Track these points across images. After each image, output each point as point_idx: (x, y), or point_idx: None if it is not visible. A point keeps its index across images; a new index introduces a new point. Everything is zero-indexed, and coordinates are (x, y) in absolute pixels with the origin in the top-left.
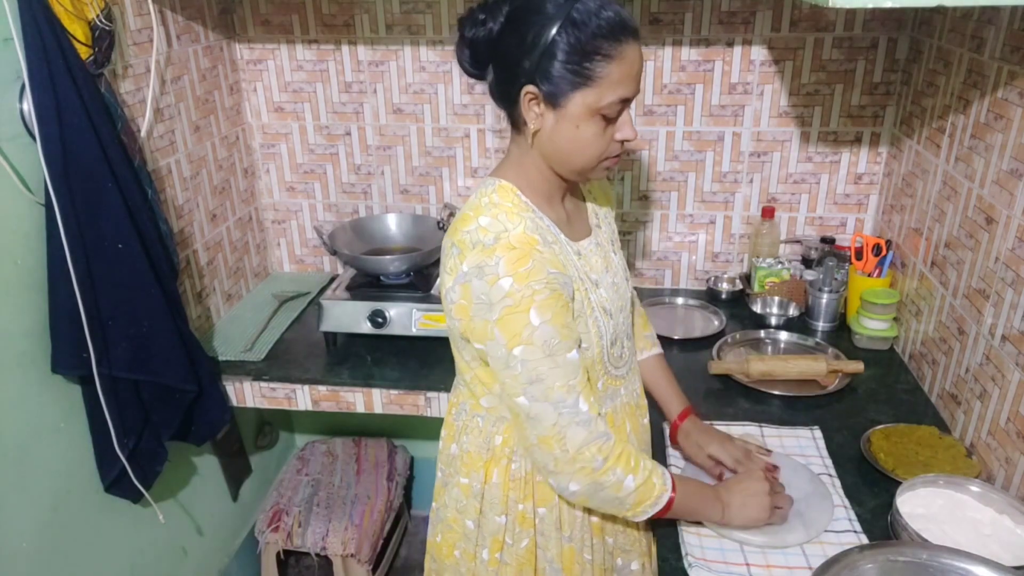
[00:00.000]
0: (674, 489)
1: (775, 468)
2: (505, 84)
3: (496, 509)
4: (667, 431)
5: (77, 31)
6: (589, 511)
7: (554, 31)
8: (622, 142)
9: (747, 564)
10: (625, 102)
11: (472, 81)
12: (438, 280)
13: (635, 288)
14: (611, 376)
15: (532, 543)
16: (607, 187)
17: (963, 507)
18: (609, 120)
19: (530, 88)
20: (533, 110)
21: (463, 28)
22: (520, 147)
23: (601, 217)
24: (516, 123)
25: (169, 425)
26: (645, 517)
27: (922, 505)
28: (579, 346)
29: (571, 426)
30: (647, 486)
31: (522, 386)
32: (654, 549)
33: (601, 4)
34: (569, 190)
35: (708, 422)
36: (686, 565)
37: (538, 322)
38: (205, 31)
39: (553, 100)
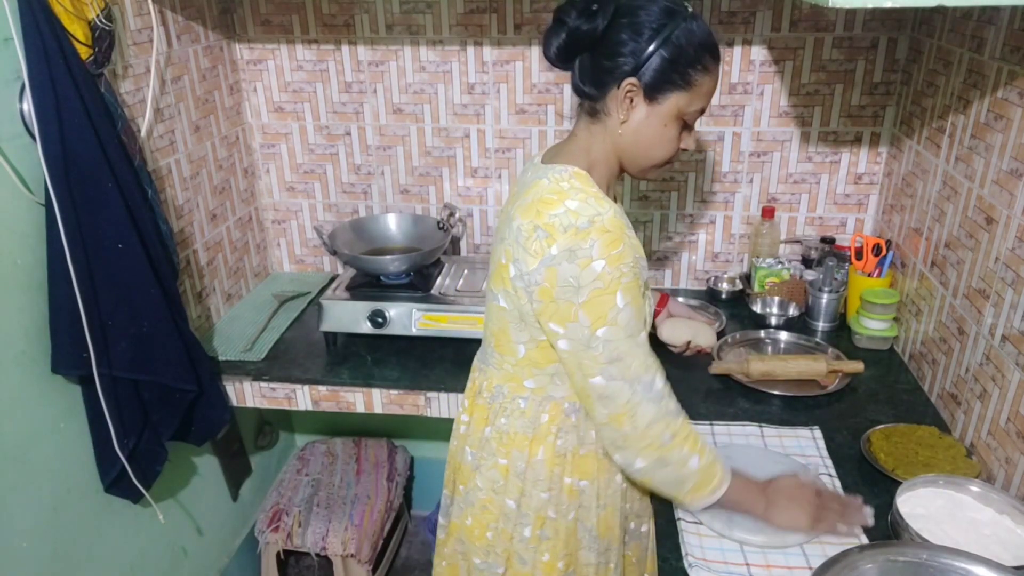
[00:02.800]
0: (730, 480)
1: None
2: (604, 73)
3: (540, 486)
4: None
5: (77, 31)
6: (628, 480)
7: (670, 35)
8: (682, 150)
9: (747, 564)
10: (701, 113)
11: (472, 81)
12: (439, 280)
13: None
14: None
15: (576, 515)
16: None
17: (963, 507)
18: (685, 127)
19: (633, 80)
20: (627, 102)
21: (565, 15)
22: (593, 135)
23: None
24: (597, 112)
25: (169, 425)
26: (700, 505)
27: (922, 505)
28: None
29: (643, 403)
30: (710, 471)
31: (601, 366)
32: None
33: (704, 25)
34: None
35: (708, 422)
36: (686, 565)
37: (622, 304)
38: (205, 31)
39: (651, 95)
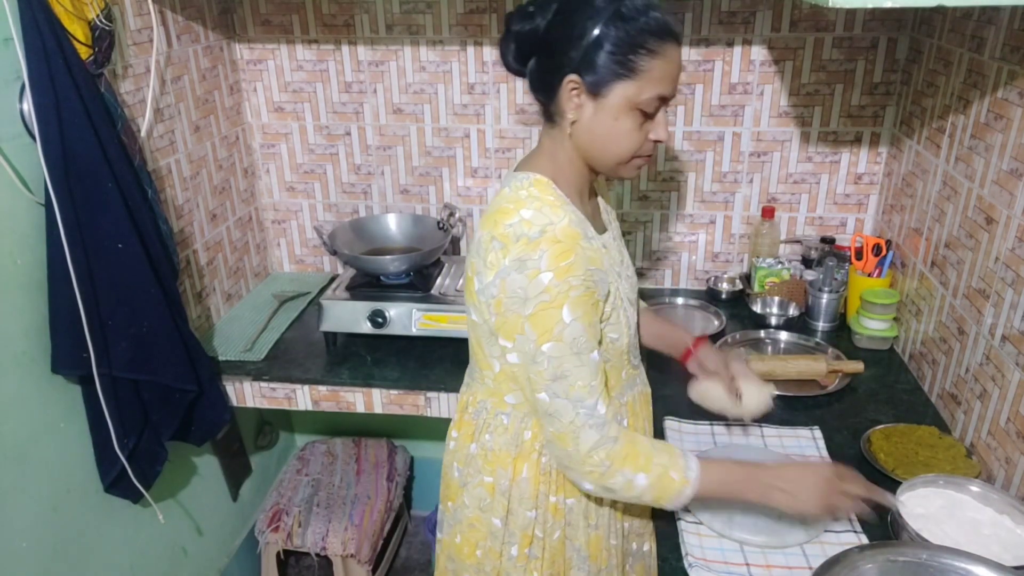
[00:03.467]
0: (698, 478)
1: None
2: (547, 74)
3: (526, 504)
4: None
5: (77, 31)
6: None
7: (603, 22)
8: (655, 142)
9: (747, 564)
10: (663, 100)
11: (472, 81)
12: (439, 280)
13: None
14: (632, 366)
15: (562, 534)
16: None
17: (963, 507)
18: (646, 116)
19: (573, 77)
20: (573, 100)
21: (511, 23)
22: (554, 140)
23: (610, 213)
24: (552, 115)
25: (169, 425)
26: (674, 507)
27: (922, 505)
28: (599, 346)
29: (585, 428)
30: (662, 482)
31: (545, 382)
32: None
33: (648, 4)
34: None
35: (708, 423)
36: (686, 565)
37: (569, 319)
38: (205, 31)
39: (595, 90)
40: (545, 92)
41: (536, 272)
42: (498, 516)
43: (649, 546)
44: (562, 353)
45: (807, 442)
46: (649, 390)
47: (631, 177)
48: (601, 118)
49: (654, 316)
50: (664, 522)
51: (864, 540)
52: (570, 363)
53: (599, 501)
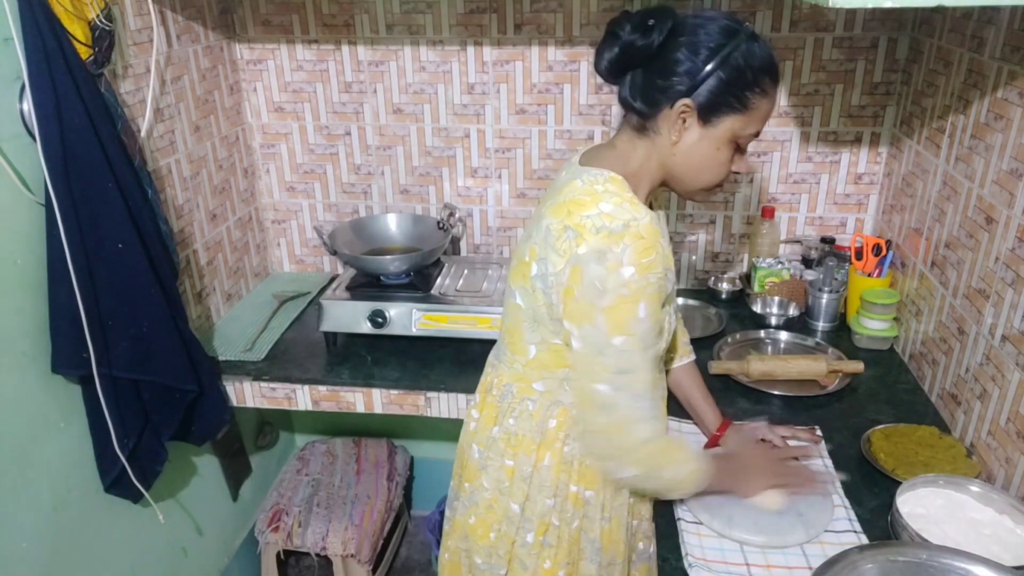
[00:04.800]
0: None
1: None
2: (656, 91)
3: (546, 492)
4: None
5: (77, 31)
6: (635, 495)
7: (727, 55)
8: (734, 173)
9: (747, 564)
10: (755, 135)
11: (472, 81)
12: (439, 280)
13: None
14: (661, 370)
15: (580, 524)
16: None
17: (963, 507)
18: (738, 150)
19: (687, 102)
20: (680, 123)
21: (620, 28)
22: (636, 148)
23: (663, 221)
24: (645, 129)
25: (169, 425)
26: (686, 495)
27: (922, 505)
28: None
29: (642, 420)
30: (694, 474)
31: (610, 374)
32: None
33: (765, 45)
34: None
35: None
36: (686, 565)
37: (644, 315)
38: (205, 31)
39: (706, 118)
40: (648, 105)
41: (618, 265)
42: (516, 501)
43: (653, 548)
44: (632, 348)
45: (807, 442)
46: (667, 394)
47: (701, 202)
48: (704, 145)
49: (696, 384)
50: (664, 522)
51: (864, 540)
52: (638, 358)
53: (617, 494)
